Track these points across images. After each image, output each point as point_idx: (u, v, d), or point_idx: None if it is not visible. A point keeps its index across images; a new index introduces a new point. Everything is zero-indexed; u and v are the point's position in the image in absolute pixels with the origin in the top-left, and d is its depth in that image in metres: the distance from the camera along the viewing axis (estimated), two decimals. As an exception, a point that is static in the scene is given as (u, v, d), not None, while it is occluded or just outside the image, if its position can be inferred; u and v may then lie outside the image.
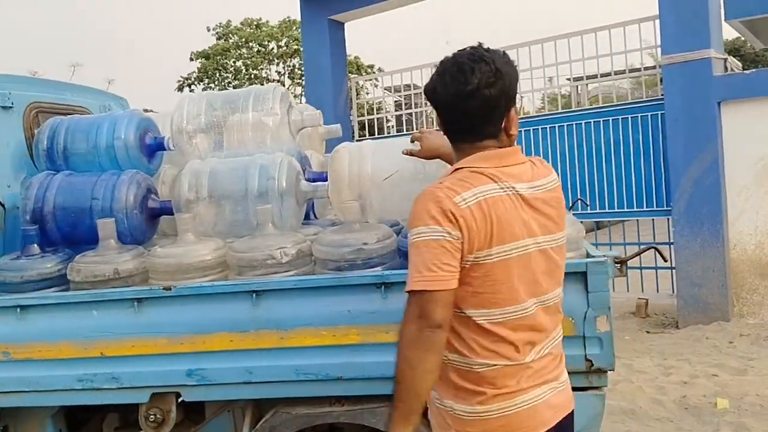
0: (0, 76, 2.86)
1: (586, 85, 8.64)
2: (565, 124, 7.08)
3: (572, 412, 1.59)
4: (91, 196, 2.55)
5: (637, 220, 7.21)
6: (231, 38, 22.27)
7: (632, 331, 6.09)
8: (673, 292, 6.38)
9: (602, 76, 7.77)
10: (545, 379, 1.52)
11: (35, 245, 2.55)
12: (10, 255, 2.60)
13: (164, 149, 2.75)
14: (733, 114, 5.86)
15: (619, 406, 4.02)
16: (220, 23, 22.37)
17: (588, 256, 2.15)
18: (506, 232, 1.44)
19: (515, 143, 1.59)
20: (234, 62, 22.31)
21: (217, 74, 22.19)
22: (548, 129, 7.20)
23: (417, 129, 8.78)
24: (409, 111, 9.04)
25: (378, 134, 8.84)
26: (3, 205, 2.74)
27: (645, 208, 6.71)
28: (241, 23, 22.03)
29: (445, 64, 1.54)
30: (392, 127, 10.61)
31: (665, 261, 2.23)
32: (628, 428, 3.73)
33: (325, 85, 8.39)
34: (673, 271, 6.23)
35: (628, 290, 7.04)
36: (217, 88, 22.10)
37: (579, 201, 5.10)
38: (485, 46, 1.54)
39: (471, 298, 1.47)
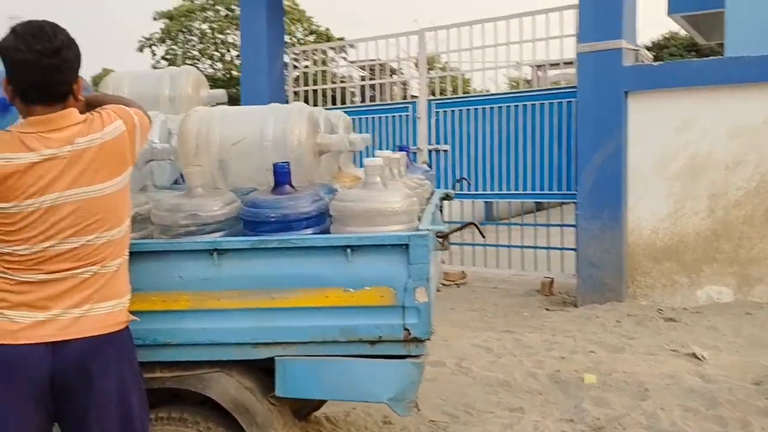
0: None
1: (543, 70, 8.81)
2: (489, 106, 7.27)
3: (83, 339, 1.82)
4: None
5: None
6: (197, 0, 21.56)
7: (533, 308, 6.26)
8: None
9: (565, 64, 7.95)
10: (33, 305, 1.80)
11: None
12: None
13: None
14: (639, 104, 6.01)
15: (496, 378, 4.16)
16: (186, -18, 21.67)
17: (416, 230, 2.18)
18: (12, 192, 1.73)
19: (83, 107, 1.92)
20: (200, 25, 21.62)
21: (181, 36, 21.48)
22: (480, 110, 7.39)
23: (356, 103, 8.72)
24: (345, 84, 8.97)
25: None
26: None
27: (555, 191, 6.97)
28: (208, -16, 21.41)
29: (23, 27, 1.77)
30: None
31: (483, 237, 2.30)
32: (499, 399, 3.85)
33: (261, 54, 8.23)
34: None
35: (535, 269, 7.25)
36: (181, 51, 21.44)
37: (462, 180, 5.15)
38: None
39: None
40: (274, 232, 2.18)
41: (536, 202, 7.62)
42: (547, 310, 6.14)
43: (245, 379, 2.23)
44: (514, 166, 7.21)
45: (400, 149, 3.34)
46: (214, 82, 21.40)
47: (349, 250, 2.10)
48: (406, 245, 2.07)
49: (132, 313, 2.03)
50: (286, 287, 2.13)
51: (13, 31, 1.76)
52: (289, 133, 2.30)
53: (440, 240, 2.13)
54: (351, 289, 2.11)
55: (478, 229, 2.15)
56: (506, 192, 7.33)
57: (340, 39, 21.04)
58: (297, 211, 2.18)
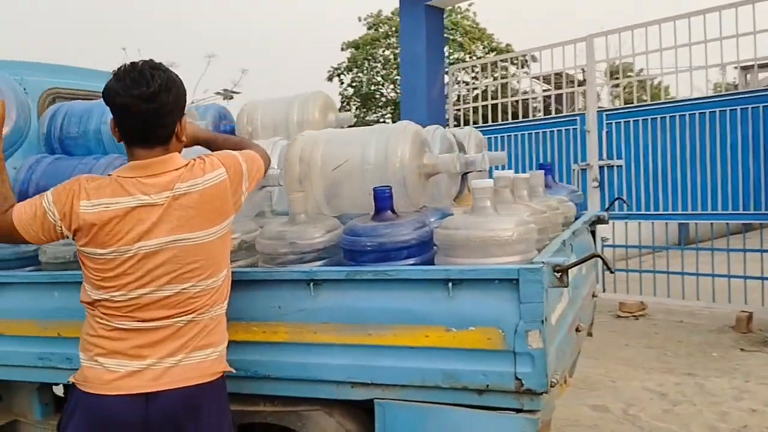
0: (12, 62, 3.03)
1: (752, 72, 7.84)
2: (669, 115, 6.53)
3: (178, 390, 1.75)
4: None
5: None
6: (381, 28, 22.56)
7: (725, 347, 5.42)
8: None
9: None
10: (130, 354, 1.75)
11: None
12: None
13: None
14: None
15: (668, 430, 3.58)
16: (371, 13, 22.71)
17: (531, 261, 1.87)
18: (110, 237, 1.71)
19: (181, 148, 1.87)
20: (383, 52, 22.63)
21: (366, 64, 22.58)
22: (658, 120, 6.67)
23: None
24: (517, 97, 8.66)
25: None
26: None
27: (751, 212, 6.02)
28: (392, 12, 22.21)
29: (122, 69, 1.74)
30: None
31: (611, 272, 1.90)
32: (669, 457, 3.30)
33: (420, 74, 8.27)
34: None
35: (730, 301, 6.31)
36: (365, 78, 22.59)
37: (618, 200, 4.55)
38: (156, 61, 1.77)
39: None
40: (373, 261, 2.01)
41: (743, 224, 6.54)
42: (741, 350, 5.28)
43: (346, 420, 2.06)
44: (701, 183, 6.37)
45: (540, 167, 3.00)
46: (395, 106, 22.05)
47: (450, 284, 1.85)
48: (516, 280, 1.78)
49: (233, 342, 1.97)
50: (383, 323, 1.93)
51: (116, 74, 1.75)
52: (390, 154, 2.12)
53: (557, 274, 1.79)
54: (453, 329, 1.85)
55: (604, 262, 1.78)
56: (692, 212, 6.48)
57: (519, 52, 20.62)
58: (395, 240, 1.98)
